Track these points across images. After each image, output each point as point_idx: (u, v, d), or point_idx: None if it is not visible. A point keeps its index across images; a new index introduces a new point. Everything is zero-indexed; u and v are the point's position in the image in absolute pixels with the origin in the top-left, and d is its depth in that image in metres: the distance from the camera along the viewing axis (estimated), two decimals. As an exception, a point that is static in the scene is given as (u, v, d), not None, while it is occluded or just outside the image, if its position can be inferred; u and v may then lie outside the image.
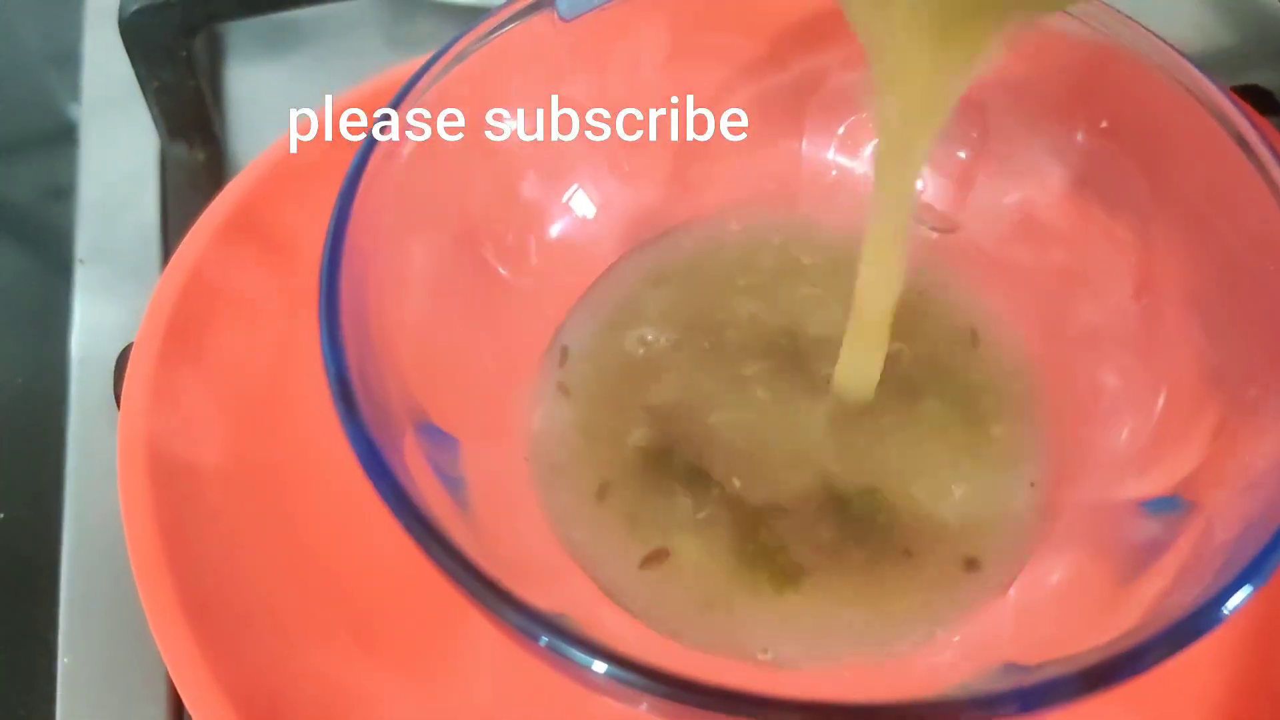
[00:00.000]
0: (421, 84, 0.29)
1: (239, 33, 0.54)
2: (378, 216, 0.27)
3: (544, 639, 0.22)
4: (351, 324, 0.25)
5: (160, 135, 0.49)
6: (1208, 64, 0.31)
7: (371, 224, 0.27)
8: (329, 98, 0.40)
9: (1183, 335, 0.32)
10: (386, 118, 0.28)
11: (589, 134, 0.34)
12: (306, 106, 0.41)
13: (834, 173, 0.38)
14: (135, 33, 0.46)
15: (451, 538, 0.23)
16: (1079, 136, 0.33)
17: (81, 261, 0.46)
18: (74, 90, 0.53)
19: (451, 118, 0.30)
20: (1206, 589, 0.24)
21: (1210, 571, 0.24)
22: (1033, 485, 0.32)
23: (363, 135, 0.29)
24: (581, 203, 0.36)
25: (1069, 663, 0.24)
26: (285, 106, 0.51)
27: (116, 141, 0.50)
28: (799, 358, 0.35)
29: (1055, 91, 0.34)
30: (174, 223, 0.47)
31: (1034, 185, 0.35)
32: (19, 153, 0.54)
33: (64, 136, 0.52)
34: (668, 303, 0.37)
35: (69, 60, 0.54)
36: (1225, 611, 0.23)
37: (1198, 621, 0.23)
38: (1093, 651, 0.24)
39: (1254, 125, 0.30)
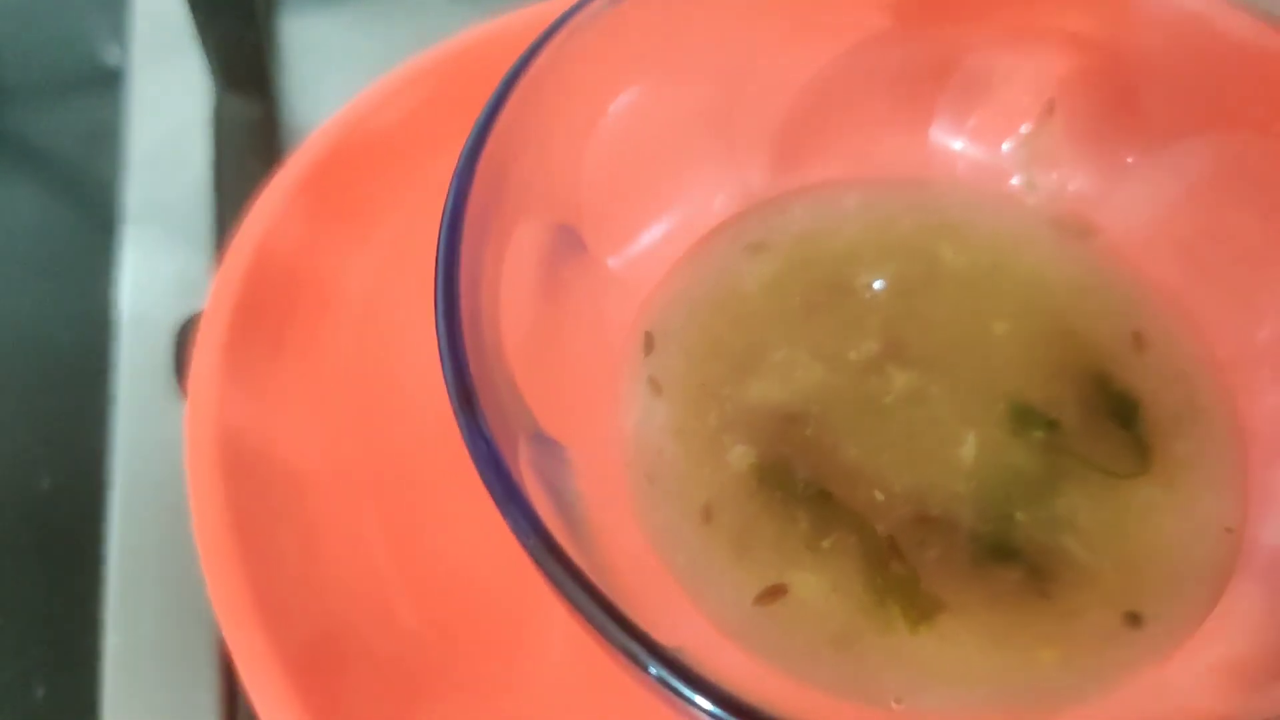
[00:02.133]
0: (544, 52, 0.26)
1: (298, -14, 0.51)
2: (494, 198, 0.25)
3: (653, 670, 0.20)
4: (470, 321, 0.22)
5: (215, 87, 0.47)
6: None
7: (486, 211, 0.24)
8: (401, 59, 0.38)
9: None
10: (503, 94, 0.25)
11: (707, 107, 0.31)
12: (365, 61, 0.39)
13: (962, 165, 0.35)
14: (198, -21, 0.43)
15: (571, 556, 0.21)
16: (1248, 139, 0.31)
17: (131, 218, 0.43)
18: (117, 32, 0.50)
19: (567, 92, 0.28)
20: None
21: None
22: (1229, 530, 0.29)
23: (445, 102, 0.26)
24: (693, 178, 0.34)
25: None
26: (343, 61, 0.50)
27: (167, 91, 0.48)
28: (937, 349, 0.32)
29: (1223, 89, 0.31)
30: (227, 179, 0.45)
31: (1195, 191, 0.32)
32: (59, 97, 0.51)
33: (106, 81, 0.50)
34: (769, 276, 0.33)
35: (114, 2, 0.51)
36: None
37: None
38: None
39: None
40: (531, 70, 0.26)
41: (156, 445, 0.38)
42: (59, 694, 0.35)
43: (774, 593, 0.28)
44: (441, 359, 0.22)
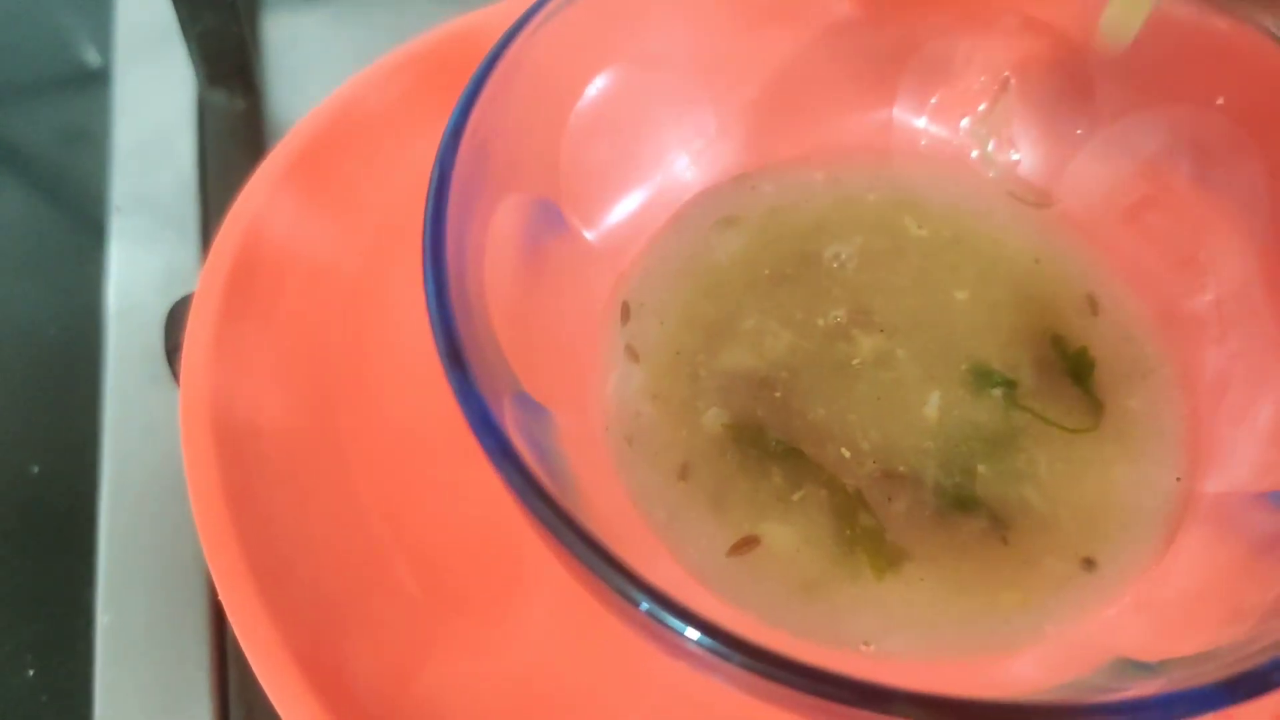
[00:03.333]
0: (522, 36, 0.28)
1: (278, -23, 0.52)
2: (476, 175, 0.26)
3: (644, 605, 0.21)
4: (457, 285, 0.23)
5: (199, 82, 0.48)
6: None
7: (470, 184, 0.26)
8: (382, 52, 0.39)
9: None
10: (484, 74, 0.26)
11: (681, 88, 0.33)
12: (346, 53, 0.40)
13: (924, 141, 0.36)
14: (182, -27, 0.44)
15: (559, 502, 0.22)
16: (1192, 112, 0.32)
17: (118, 209, 0.44)
18: (102, 31, 0.51)
19: (546, 73, 0.29)
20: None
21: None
22: (1178, 480, 0.31)
23: (429, 90, 0.28)
24: (667, 156, 0.35)
25: (1199, 664, 0.23)
26: (325, 55, 0.51)
27: (152, 86, 0.48)
28: (901, 316, 0.33)
29: (1167, 66, 0.32)
30: (212, 173, 0.46)
31: (1143, 162, 0.34)
32: (43, 95, 0.52)
33: (90, 79, 0.50)
34: (740, 248, 0.35)
35: (98, 2, 0.52)
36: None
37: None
38: (1226, 652, 0.23)
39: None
40: (511, 51, 0.27)
41: (145, 431, 0.38)
42: (51, 674, 0.35)
43: (747, 543, 0.29)
44: (431, 320, 0.23)
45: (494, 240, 0.28)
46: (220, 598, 0.28)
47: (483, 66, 0.27)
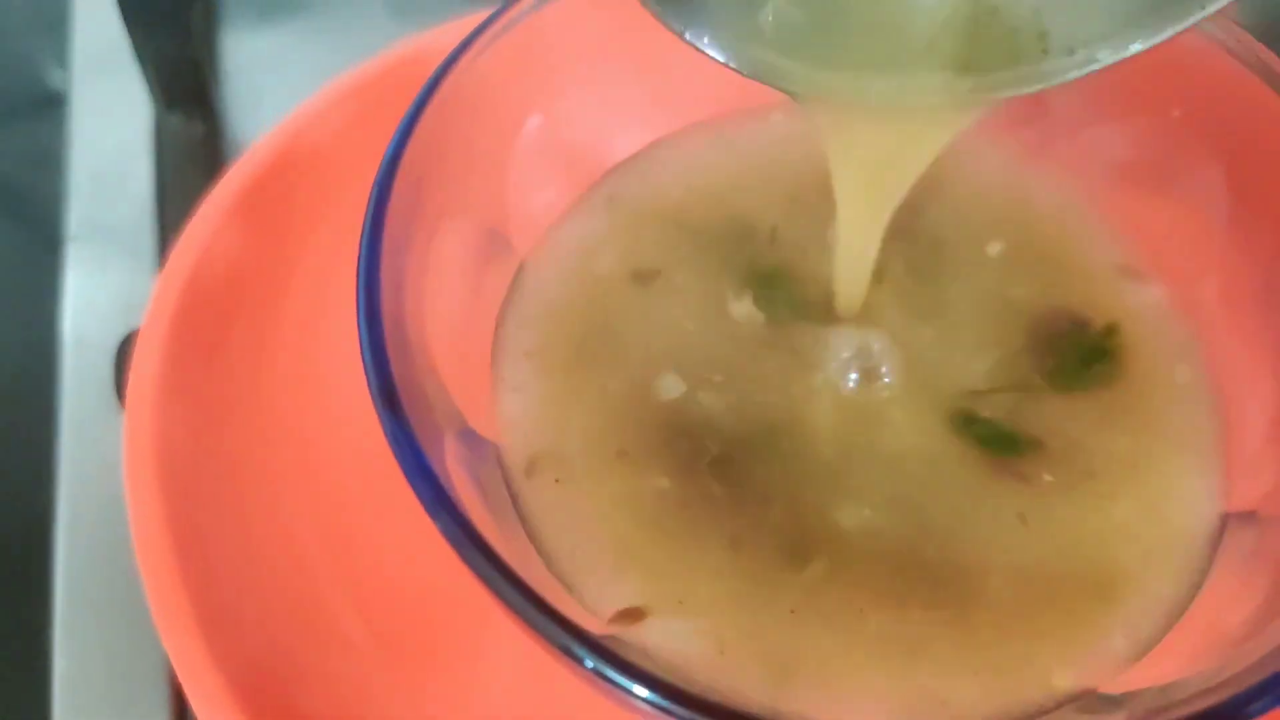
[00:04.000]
0: (460, 64, 0.27)
1: (237, 1, 0.51)
2: (415, 204, 0.26)
3: (589, 663, 0.21)
4: (392, 323, 0.23)
5: (155, 106, 0.47)
6: (1264, 38, 0.30)
7: (408, 213, 0.25)
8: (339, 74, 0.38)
9: (1256, 339, 0.31)
10: (421, 103, 0.26)
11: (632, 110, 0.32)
12: (306, 75, 0.39)
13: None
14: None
15: (500, 553, 0.21)
16: (1148, 124, 0.32)
17: (73, 237, 0.43)
18: (59, 56, 0.50)
19: (484, 103, 0.28)
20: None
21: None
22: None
23: (380, 116, 0.27)
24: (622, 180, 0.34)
25: (1166, 695, 0.23)
26: (284, 76, 0.50)
27: (109, 111, 0.48)
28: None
29: (1123, 74, 0.32)
30: (170, 198, 0.45)
31: (1097, 175, 0.33)
32: (1, 120, 0.51)
33: (48, 104, 0.50)
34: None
35: (55, 24, 0.51)
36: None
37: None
38: (1195, 683, 0.23)
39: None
40: (450, 79, 0.27)
41: (101, 463, 0.37)
42: (8, 715, 0.35)
43: (631, 615, 0.27)
44: (363, 359, 0.22)
45: (438, 271, 0.27)
46: (164, 644, 0.27)
47: (420, 95, 0.26)
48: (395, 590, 0.29)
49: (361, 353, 0.22)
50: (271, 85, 0.50)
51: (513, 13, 0.28)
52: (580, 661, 0.21)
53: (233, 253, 0.33)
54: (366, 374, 0.22)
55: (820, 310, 0.31)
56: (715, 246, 0.33)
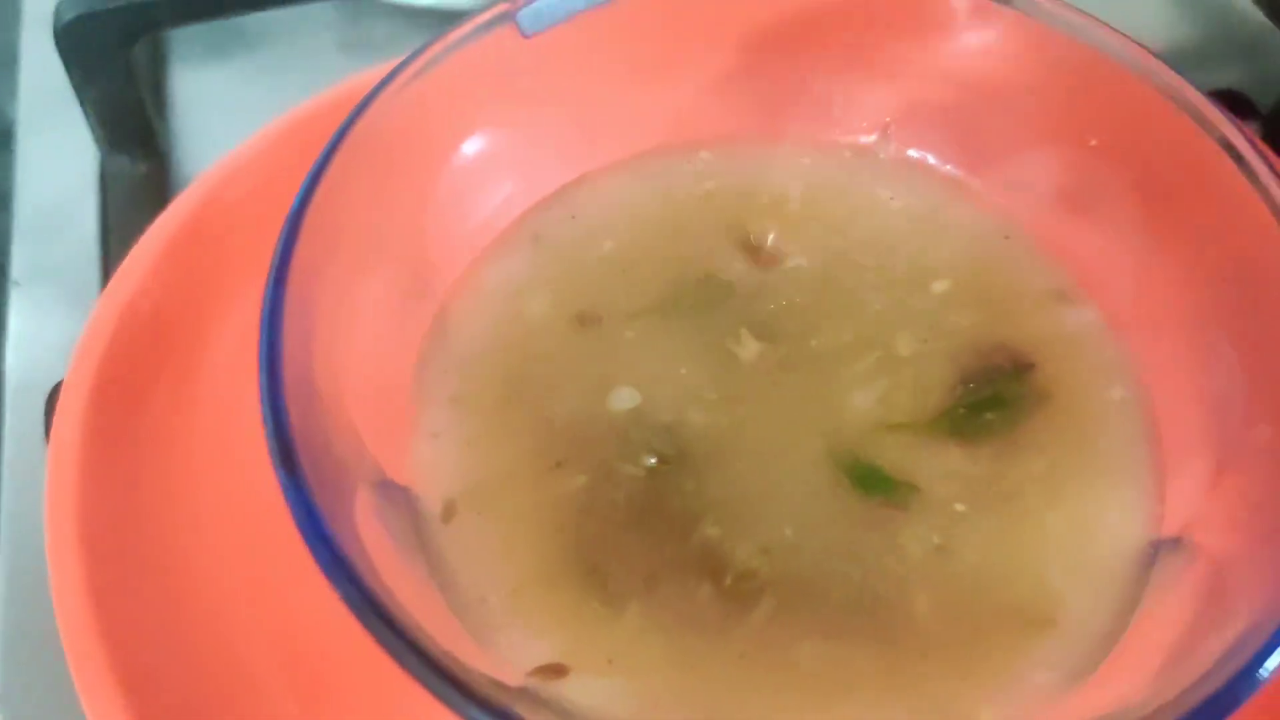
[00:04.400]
0: (373, 106, 0.27)
1: (184, 38, 0.51)
2: (327, 250, 0.25)
3: None
4: (295, 377, 0.22)
5: (100, 148, 0.47)
6: (1174, 64, 0.30)
7: (320, 259, 0.25)
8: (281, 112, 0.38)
9: (1180, 362, 0.30)
10: (333, 149, 0.25)
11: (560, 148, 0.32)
12: (256, 115, 0.39)
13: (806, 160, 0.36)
14: (71, 41, 0.43)
15: (393, 612, 0.21)
16: (1065, 152, 0.32)
17: (16, 283, 0.43)
18: (10, 96, 0.50)
19: (403, 142, 0.28)
20: (1227, 657, 0.22)
21: (1231, 631, 0.23)
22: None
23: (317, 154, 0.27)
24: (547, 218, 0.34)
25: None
26: (233, 116, 0.49)
27: (54, 154, 0.48)
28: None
29: (1039, 107, 0.32)
30: (116, 239, 0.45)
31: (1016, 201, 0.33)
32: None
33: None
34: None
35: (4, 65, 0.51)
36: (1247, 690, 0.21)
37: (1224, 698, 0.21)
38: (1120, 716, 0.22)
39: (1247, 138, 0.28)
40: (364, 119, 0.27)
41: (40, 517, 0.37)
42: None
43: (553, 670, 0.27)
44: (264, 419, 0.22)
45: (355, 317, 0.27)
46: (83, 705, 0.27)
47: (333, 139, 0.26)
48: (321, 648, 0.28)
49: (262, 411, 0.22)
50: (220, 123, 0.49)
51: (429, 54, 0.28)
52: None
53: (161, 300, 0.33)
54: (266, 434, 0.22)
55: (754, 349, 0.31)
56: (645, 288, 0.32)
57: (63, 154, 0.47)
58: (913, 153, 0.35)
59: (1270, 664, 0.21)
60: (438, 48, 0.28)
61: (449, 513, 0.28)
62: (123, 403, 0.31)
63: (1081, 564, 0.28)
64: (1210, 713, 0.21)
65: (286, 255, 0.24)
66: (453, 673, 0.20)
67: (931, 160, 0.35)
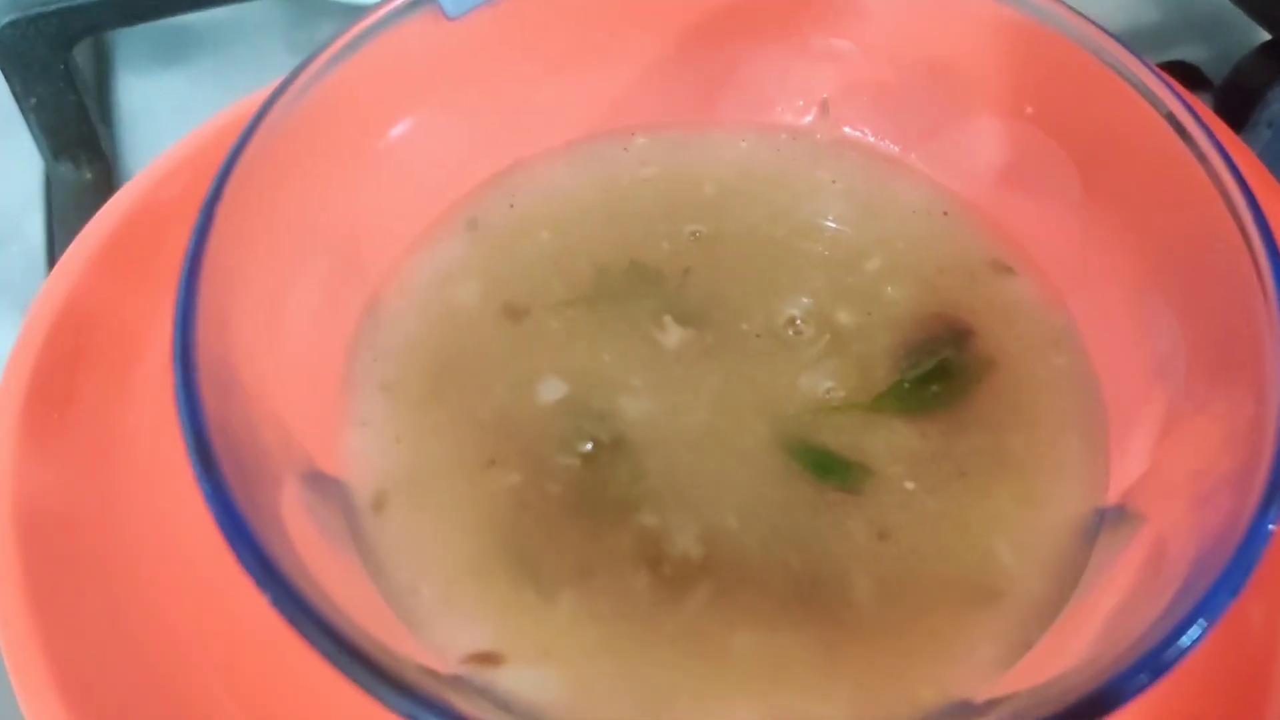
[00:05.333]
0: (290, 92, 0.26)
1: (128, 41, 0.51)
2: (246, 236, 0.25)
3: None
4: (211, 369, 0.22)
5: (44, 155, 0.46)
6: (1132, 41, 0.30)
7: (238, 246, 0.25)
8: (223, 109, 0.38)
9: (1122, 330, 0.30)
10: (248, 135, 0.25)
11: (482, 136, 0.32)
12: (203, 118, 0.39)
13: (744, 143, 0.35)
14: (7, 47, 0.43)
15: (316, 603, 0.21)
16: (1003, 123, 0.31)
17: (-39, 294, 0.43)
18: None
19: (326, 128, 0.28)
20: (1163, 619, 0.22)
21: (1166, 597, 0.22)
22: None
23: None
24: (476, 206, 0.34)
25: (1026, 699, 0.23)
26: (180, 119, 0.49)
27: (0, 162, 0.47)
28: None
29: (976, 76, 0.32)
30: (61, 248, 0.44)
31: (955, 175, 0.33)
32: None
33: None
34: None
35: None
36: (1183, 646, 0.21)
37: (1151, 662, 0.21)
38: (1049, 685, 0.22)
39: (1187, 106, 0.28)
40: (284, 99, 0.26)
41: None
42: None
43: (487, 659, 0.26)
44: (179, 414, 0.22)
45: (281, 306, 0.27)
46: (23, 711, 0.26)
47: (251, 121, 0.26)
48: (261, 649, 0.28)
49: (177, 406, 0.22)
50: (167, 127, 0.49)
51: (347, 37, 0.28)
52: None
53: (95, 301, 0.33)
54: (182, 431, 0.21)
55: (678, 335, 0.31)
56: (576, 277, 0.32)
57: (6, 164, 0.47)
58: (850, 131, 0.35)
59: (1195, 630, 0.21)
60: (357, 30, 0.28)
61: (380, 503, 0.28)
62: (57, 405, 0.31)
63: (1028, 535, 0.28)
64: (1141, 675, 0.21)
65: (200, 246, 0.23)
66: (379, 662, 0.20)
67: (870, 138, 0.35)
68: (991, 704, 0.24)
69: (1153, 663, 0.21)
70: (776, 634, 0.26)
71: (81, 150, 0.46)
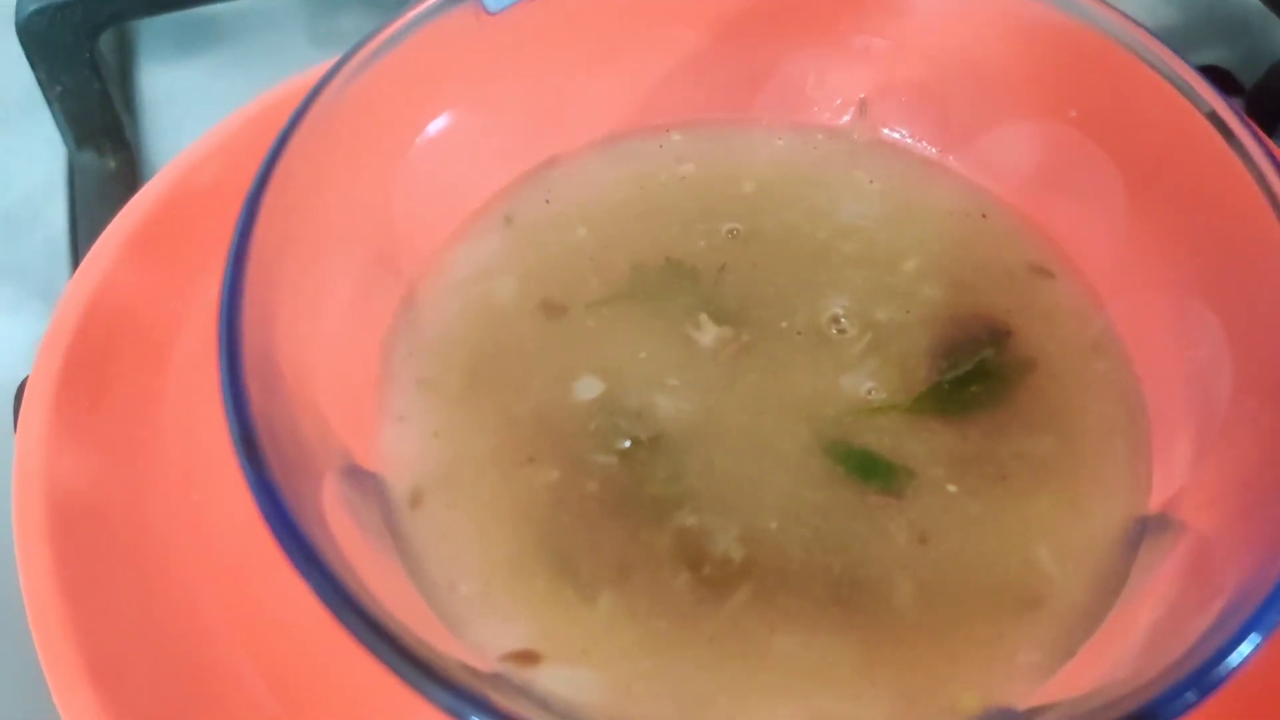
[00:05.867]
0: (331, 86, 0.26)
1: (151, 31, 0.51)
2: (288, 232, 0.25)
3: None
4: (256, 362, 0.22)
5: (67, 143, 0.46)
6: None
7: (281, 241, 0.24)
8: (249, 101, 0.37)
9: (1164, 336, 0.30)
10: (290, 130, 0.25)
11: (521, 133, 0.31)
12: (225, 108, 0.39)
13: (780, 141, 0.35)
14: (34, 35, 0.43)
15: (360, 598, 0.21)
16: (1044, 126, 0.31)
17: (-15, 281, 0.43)
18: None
19: (366, 122, 0.27)
20: (1212, 633, 0.21)
21: (1214, 610, 0.22)
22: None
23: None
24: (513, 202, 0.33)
25: (1070, 709, 0.22)
26: (203, 108, 0.49)
27: (21, 152, 0.47)
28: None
29: (1017, 78, 0.31)
30: (84, 235, 0.44)
31: (994, 177, 0.33)
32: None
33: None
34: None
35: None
36: (1233, 663, 0.20)
37: (1201, 678, 0.20)
38: (1093, 696, 0.22)
39: (1232, 107, 0.28)
40: (324, 97, 0.26)
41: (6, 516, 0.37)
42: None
43: (526, 657, 0.26)
44: (225, 405, 0.21)
45: (319, 301, 0.26)
46: (57, 704, 0.26)
47: (292, 117, 0.26)
48: (294, 639, 0.27)
49: (222, 397, 0.21)
50: (189, 117, 0.49)
51: (389, 32, 0.27)
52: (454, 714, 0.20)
53: (128, 290, 0.32)
54: (228, 421, 0.21)
55: (714, 334, 0.31)
56: (612, 274, 0.32)
57: (30, 153, 0.47)
58: (888, 132, 0.35)
59: (1248, 645, 0.20)
60: (398, 25, 0.28)
61: (417, 499, 0.28)
62: (89, 394, 0.31)
63: (1070, 541, 0.28)
64: (1191, 692, 0.20)
65: (245, 237, 0.23)
66: (422, 657, 0.20)
67: (908, 140, 0.35)
68: (1034, 712, 0.24)
69: (1202, 679, 0.21)
70: (817, 636, 0.26)
71: (105, 139, 0.46)
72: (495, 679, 0.24)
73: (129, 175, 0.46)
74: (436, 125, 0.31)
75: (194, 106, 0.49)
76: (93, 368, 0.31)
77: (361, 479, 0.26)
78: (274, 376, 0.23)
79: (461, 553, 0.27)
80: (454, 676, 0.20)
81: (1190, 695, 0.21)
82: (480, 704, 0.20)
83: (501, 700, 0.21)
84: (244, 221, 0.23)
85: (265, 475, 0.21)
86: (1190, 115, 0.28)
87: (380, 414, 0.29)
